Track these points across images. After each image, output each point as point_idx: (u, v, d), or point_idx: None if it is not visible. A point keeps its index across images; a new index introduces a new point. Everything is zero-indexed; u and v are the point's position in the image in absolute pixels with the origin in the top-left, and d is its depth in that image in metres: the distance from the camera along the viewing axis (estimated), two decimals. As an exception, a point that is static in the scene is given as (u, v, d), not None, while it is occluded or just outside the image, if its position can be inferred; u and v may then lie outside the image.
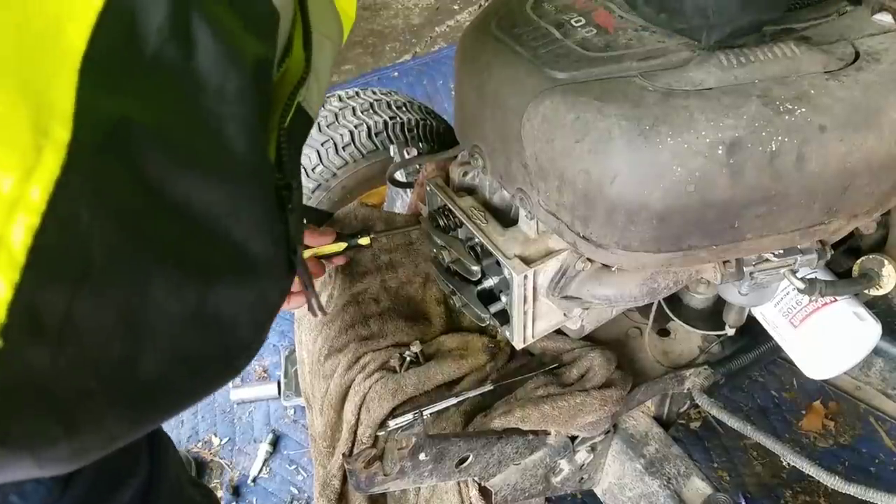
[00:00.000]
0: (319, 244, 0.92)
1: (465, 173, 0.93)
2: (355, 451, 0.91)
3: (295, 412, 1.81)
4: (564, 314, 0.90)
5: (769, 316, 0.97)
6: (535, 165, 0.71)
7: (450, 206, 0.89)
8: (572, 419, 0.93)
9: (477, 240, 0.85)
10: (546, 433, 0.97)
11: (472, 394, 0.96)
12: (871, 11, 0.74)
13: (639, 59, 0.68)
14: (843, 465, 1.59)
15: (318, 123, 1.47)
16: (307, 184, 1.42)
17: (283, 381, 1.82)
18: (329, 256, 0.96)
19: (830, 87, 0.65)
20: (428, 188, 0.94)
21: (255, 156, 0.44)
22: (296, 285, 0.91)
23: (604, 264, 0.80)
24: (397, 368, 0.98)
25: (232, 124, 0.41)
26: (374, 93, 1.57)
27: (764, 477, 1.58)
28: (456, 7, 3.60)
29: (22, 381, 0.32)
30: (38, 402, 0.34)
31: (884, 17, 0.73)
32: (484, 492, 0.97)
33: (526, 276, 0.80)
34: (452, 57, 0.86)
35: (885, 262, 0.90)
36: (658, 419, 1.17)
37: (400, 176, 1.21)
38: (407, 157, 1.20)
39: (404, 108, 1.53)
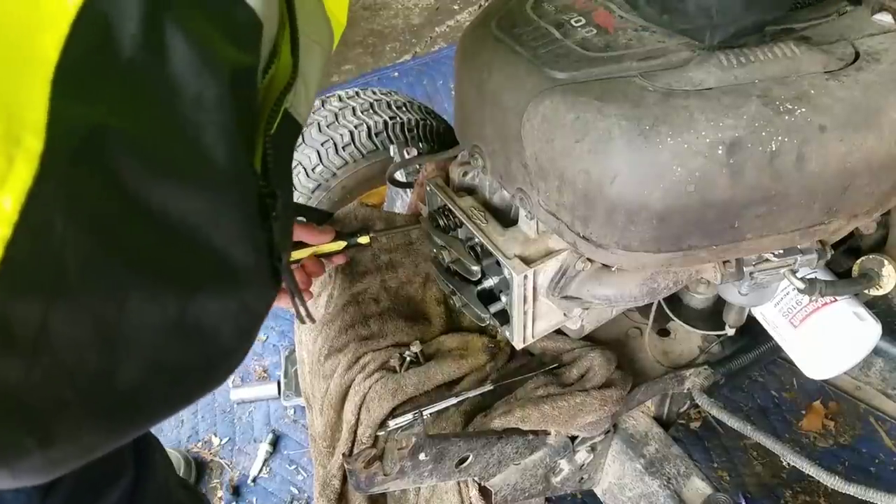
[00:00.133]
0: (319, 243, 0.92)
1: (465, 173, 0.93)
2: (355, 451, 0.91)
3: (295, 412, 1.81)
4: (564, 314, 0.90)
5: (769, 316, 0.97)
6: (534, 165, 0.71)
7: (450, 206, 0.89)
8: (572, 419, 0.93)
9: (477, 240, 0.85)
10: (546, 433, 0.97)
11: (472, 394, 0.96)
12: (871, 11, 0.74)
13: (639, 59, 0.68)
14: (843, 465, 1.59)
15: (318, 123, 1.47)
16: (307, 184, 1.42)
17: (283, 381, 1.82)
18: (329, 255, 0.96)
19: (830, 87, 0.65)
20: (428, 188, 0.94)
21: (235, 163, 0.44)
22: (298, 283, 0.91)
23: (604, 264, 0.80)
24: (397, 368, 0.98)
25: (210, 132, 0.41)
26: (374, 93, 1.57)
27: (764, 477, 1.58)
28: (456, 7, 3.60)
29: None
30: (11, 414, 0.34)
31: (884, 17, 0.73)
32: (484, 492, 0.97)
33: (526, 276, 0.80)
34: (452, 57, 0.86)
35: (885, 262, 0.90)
36: (658, 419, 1.17)
37: (400, 176, 1.21)
38: (407, 157, 1.20)
39: (404, 108, 1.53)
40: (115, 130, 0.35)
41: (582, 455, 1.06)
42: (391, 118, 1.48)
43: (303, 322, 0.77)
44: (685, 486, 1.09)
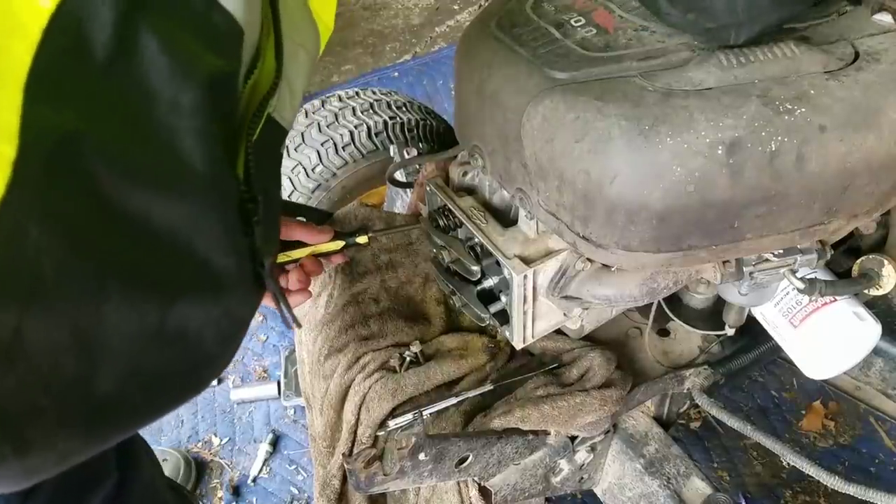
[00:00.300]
0: (318, 243, 0.92)
1: (465, 173, 0.93)
2: (355, 451, 0.91)
3: (295, 412, 1.81)
4: (564, 314, 0.90)
5: (769, 316, 0.97)
6: (534, 165, 0.71)
7: (450, 206, 0.90)
8: (572, 419, 0.93)
9: (477, 240, 0.85)
10: (546, 433, 0.97)
11: (471, 394, 0.96)
12: (871, 11, 0.74)
13: (639, 59, 0.68)
14: (843, 465, 1.59)
15: (318, 123, 1.47)
16: (307, 184, 1.42)
17: (283, 381, 1.82)
18: (328, 255, 0.96)
19: (830, 87, 0.65)
20: (428, 188, 0.94)
21: (214, 168, 0.44)
22: (294, 283, 0.91)
23: (604, 264, 0.80)
24: (397, 368, 0.98)
25: (187, 136, 0.41)
26: (374, 93, 1.57)
27: (764, 477, 1.58)
28: (456, 7, 3.60)
29: None
30: None
31: (884, 17, 0.73)
32: (484, 492, 0.97)
33: (526, 276, 0.80)
34: (452, 57, 0.86)
35: (885, 262, 0.90)
36: (658, 419, 1.17)
37: (400, 176, 1.21)
38: (407, 157, 1.20)
39: (404, 108, 1.53)
40: (89, 136, 0.35)
41: (582, 455, 1.06)
42: (391, 118, 1.48)
43: (289, 327, 0.76)
44: (685, 486, 1.09)
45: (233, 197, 0.49)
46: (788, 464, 1.50)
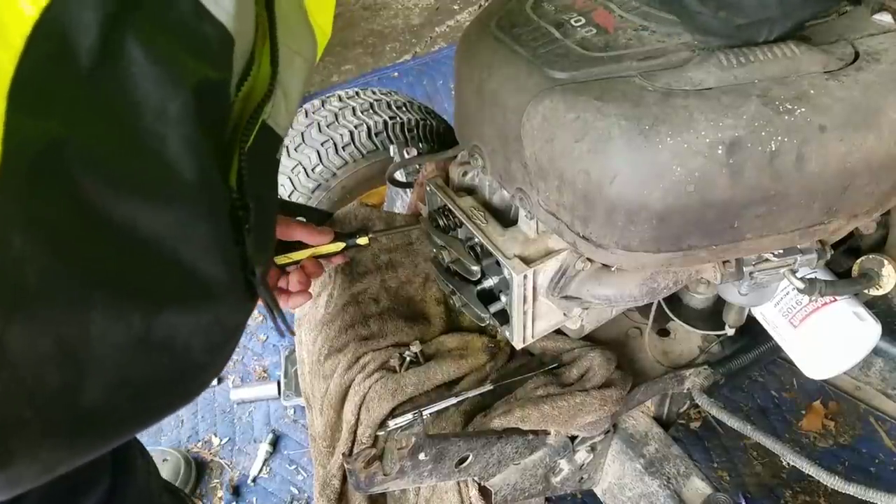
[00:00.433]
0: (318, 244, 0.92)
1: (465, 173, 0.93)
2: (355, 450, 0.91)
3: (295, 412, 1.81)
4: (564, 314, 0.90)
5: (769, 316, 0.97)
6: (534, 165, 0.71)
7: (450, 206, 0.90)
8: (572, 419, 0.93)
9: (477, 240, 0.85)
10: (546, 433, 0.97)
11: (471, 394, 0.96)
12: (871, 11, 0.74)
13: (639, 59, 0.68)
14: (843, 465, 1.59)
15: (318, 123, 1.47)
16: (307, 184, 1.42)
17: (283, 381, 1.82)
18: (328, 256, 0.96)
19: (830, 87, 0.65)
20: (428, 188, 0.94)
21: (202, 176, 0.43)
22: (295, 284, 0.91)
23: (604, 264, 0.80)
24: (397, 368, 0.98)
25: (175, 144, 0.41)
26: (374, 93, 1.57)
27: (764, 477, 1.58)
28: (456, 7, 3.60)
29: None
30: None
31: (884, 17, 0.73)
32: (484, 492, 0.97)
33: (526, 276, 0.80)
34: (452, 57, 0.86)
35: (885, 262, 0.90)
36: (658, 419, 1.17)
37: (400, 176, 1.21)
38: (407, 157, 1.20)
39: (404, 108, 1.53)
40: (73, 143, 0.35)
41: (582, 455, 1.06)
42: (391, 118, 1.48)
43: (282, 335, 0.76)
44: (685, 486, 1.09)
45: (223, 205, 0.49)
46: (788, 464, 1.50)
